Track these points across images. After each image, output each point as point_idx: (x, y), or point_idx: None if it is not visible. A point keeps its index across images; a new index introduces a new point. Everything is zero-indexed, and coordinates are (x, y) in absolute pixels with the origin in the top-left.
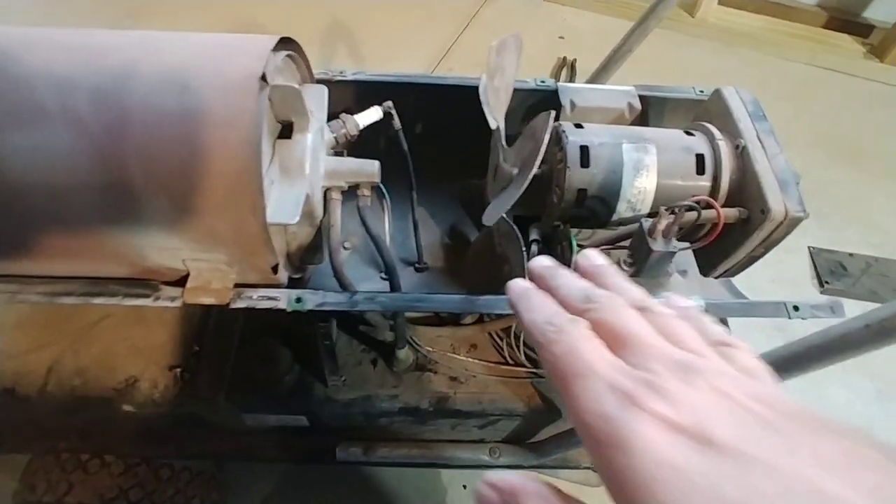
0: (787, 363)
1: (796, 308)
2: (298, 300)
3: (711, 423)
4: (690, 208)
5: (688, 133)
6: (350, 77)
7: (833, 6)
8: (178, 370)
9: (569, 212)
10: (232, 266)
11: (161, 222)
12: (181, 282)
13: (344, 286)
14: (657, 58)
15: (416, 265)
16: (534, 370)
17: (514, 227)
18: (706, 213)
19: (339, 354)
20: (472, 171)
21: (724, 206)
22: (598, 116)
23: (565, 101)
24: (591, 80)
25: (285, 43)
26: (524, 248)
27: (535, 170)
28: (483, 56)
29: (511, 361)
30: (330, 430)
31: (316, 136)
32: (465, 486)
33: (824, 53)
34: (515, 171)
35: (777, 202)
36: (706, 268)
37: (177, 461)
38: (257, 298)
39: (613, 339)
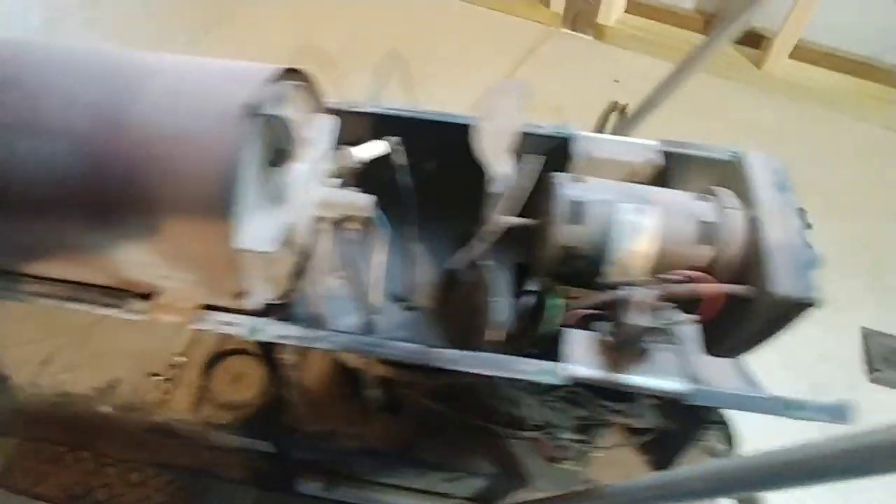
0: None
1: (789, 406)
2: (256, 330)
3: None
4: (680, 281)
5: (704, 198)
6: (367, 109)
7: None
8: (160, 378)
9: (553, 268)
10: (199, 287)
11: (135, 238)
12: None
13: (314, 318)
14: (716, 111)
15: (407, 303)
16: (511, 430)
17: (488, 278)
18: (702, 288)
19: (311, 384)
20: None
21: (731, 281)
22: (612, 169)
23: (578, 150)
24: (618, 131)
25: (293, 73)
26: (490, 300)
27: (505, 220)
28: (537, 94)
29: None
30: (295, 460)
31: (311, 165)
32: None
33: None
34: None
35: (783, 284)
36: (712, 343)
37: (147, 468)
38: (219, 322)
39: None
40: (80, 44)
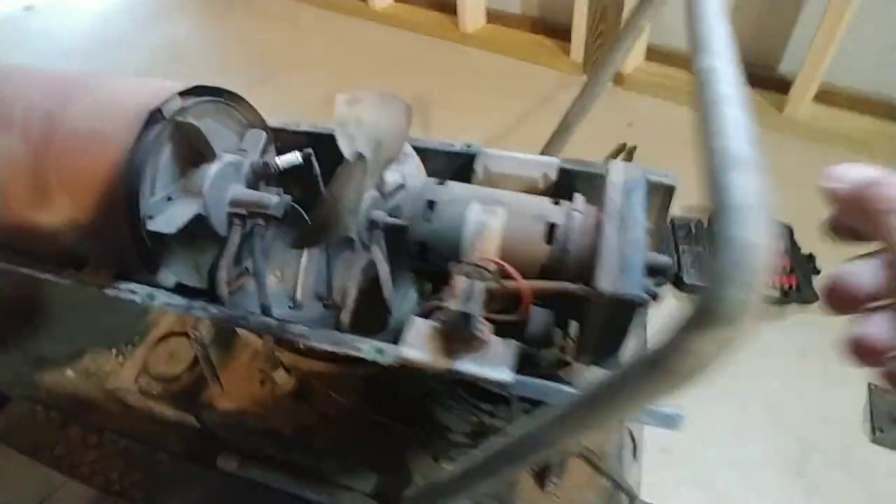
0: None
1: None
2: (151, 297)
3: None
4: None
5: (557, 202)
6: (302, 128)
7: None
8: (115, 352)
9: (415, 263)
10: (114, 258)
11: (65, 214)
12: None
13: (217, 296)
14: None
15: (325, 301)
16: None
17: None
18: (531, 284)
19: (231, 365)
20: None
21: (573, 280)
22: (509, 183)
23: (479, 166)
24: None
25: (217, 93)
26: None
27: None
28: (546, 134)
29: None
30: (216, 436)
31: (225, 167)
32: None
33: None
34: None
35: (607, 281)
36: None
37: (105, 433)
38: (121, 290)
39: None
40: (48, 67)
